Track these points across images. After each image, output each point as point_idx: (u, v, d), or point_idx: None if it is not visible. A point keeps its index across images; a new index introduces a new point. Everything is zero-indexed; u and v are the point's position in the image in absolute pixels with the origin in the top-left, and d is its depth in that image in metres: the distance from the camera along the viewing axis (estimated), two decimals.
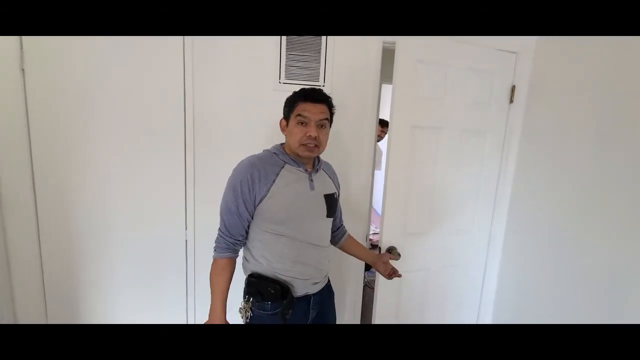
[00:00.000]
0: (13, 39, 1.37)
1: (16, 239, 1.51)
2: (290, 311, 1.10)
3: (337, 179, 1.30)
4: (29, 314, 1.58)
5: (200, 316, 1.72)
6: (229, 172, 1.55)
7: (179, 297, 1.69)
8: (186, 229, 1.62)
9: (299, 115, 1.08)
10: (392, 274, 1.35)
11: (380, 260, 1.36)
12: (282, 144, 1.19)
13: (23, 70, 1.41)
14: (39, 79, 1.42)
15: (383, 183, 1.53)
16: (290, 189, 1.09)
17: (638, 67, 1.22)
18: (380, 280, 1.59)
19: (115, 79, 1.47)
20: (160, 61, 1.49)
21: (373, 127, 1.71)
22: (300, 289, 1.13)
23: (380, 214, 1.73)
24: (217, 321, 1.09)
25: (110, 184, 1.54)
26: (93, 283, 1.61)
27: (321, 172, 1.21)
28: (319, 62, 1.57)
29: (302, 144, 1.08)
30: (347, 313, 1.87)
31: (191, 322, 1.73)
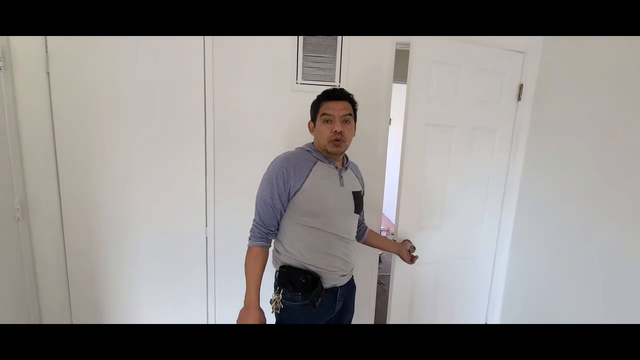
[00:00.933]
0: (38, 44, 1.41)
1: (41, 240, 1.55)
2: (320, 299, 1.15)
3: (362, 178, 1.36)
4: (55, 314, 1.62)
5: (220, 312, 1.76)
6: (249, 170, 1.61)
7: (200, 293, 1.73)
8: (206, 226, 1.67)
9: (324, 114, 1.15)
10: (413, 258, 1.47)
11: (404, 248, 1.47)
12: (312, 143, 1.25)
13: (48, 73, 1.44)
14: (64, 81, 1.46)
15: (396, 180, 1.59)
16: (322, 184, 1.15)
17: None
18: (396, 273, 1.65)
19: (137, 80, 1.51)
20: (181, 62, 1.53)
21: (386, 125, 1.77)
22: (329, 281, 1.18)
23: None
24: (251, 306, 1.11)
25: (132, 183, 1.58)
26: (116, 281, 1.65)
27: (349, 170, 1.27)
28: (335, 63, 1.62)
29: (330, 140, 1.15)
30: (363, 307, 1.92)
31: (212, 317, 1.77)
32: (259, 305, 1.13)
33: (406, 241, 1.49)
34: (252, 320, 1.10)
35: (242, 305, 1.12)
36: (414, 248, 1.46)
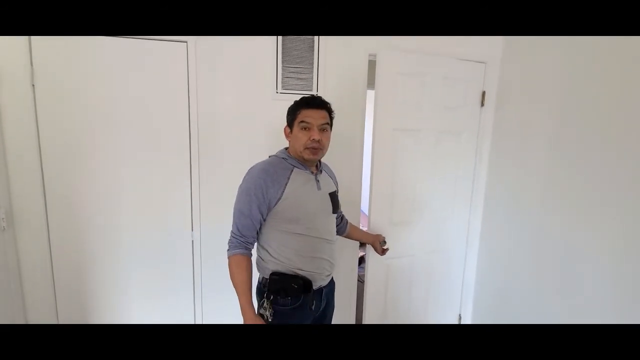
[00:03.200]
0: (24, 56, 1.45)
1: (27, 249, 1.57)
2: (315, 301, 1.20)
3: (335, 177, 1.42)
4: (40, 318, 1.63)
5: (207, 312, 1.83)
6: (232, 176, 1.68)
7: (187, 297, 1.79)
8: (192, 229, 1.73)
9: (302, 121, 1.17)
10: (384, 250, 1.61)
11: (377, 240, 1.60)
12: (286, 149, 1.28)
13: (33, 85, 1.48)
14: (49, 93, 1.50)
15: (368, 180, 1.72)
16: (301, 190, 1.18)
17: (588, 75, 1.45)
18: (370, 266, 1.77)
19: (121, 90, 1.56)
20: (166, 72, 1.59)
21: (362, 130, 1.88)
22: (317, 282, 1.22)
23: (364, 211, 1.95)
24: (249, 319, 1.12)
25: (118, 188, 1.62)
26: (103, 287, 1.69)
27: (323, 172, 1.32)
28: (312, 74, 1.73)
29: (307, 147, 1.17)
30: (345, 303, 2.01)
31: (198, 317, 1.83)
32: (256, 315, 1.15)
33: (381, 235, 1.62)
34: None
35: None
36: (385, 242, 1.58)
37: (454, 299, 2.11)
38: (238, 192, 1.18)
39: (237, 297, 1.16)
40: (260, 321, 1.14)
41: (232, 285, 1.17)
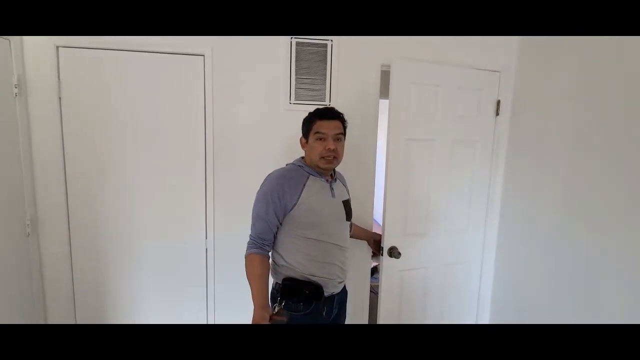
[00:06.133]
0: (51, 70, 1.53)
1: (49, 250, 1.64)
2: (326, 308, 1.22)
3: (347, 186, 1.46)
4: (60, 318, 1.69)
5: (219, 317, 1.84)
6: (246, 185, 1.71)
7: (200, 303, 1.81)
8: (206, 238, 1.76)
9: (317, 132, 1.23)
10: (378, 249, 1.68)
11: (372, 238, 1.71)
12: (302, 158, 1.33)
13: (60, 98, 1.56)
14: (74, 106, 1.58)
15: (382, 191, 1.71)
16: (316, 197, 1.23)
17: (606, 81, 1.41)
18: (384, 278, 1.74)
19: (141, 103, 1.63)
20: (183, 85, 1.65)
21: (374, 140, 1.89)
22: (328, 289, 1.25)
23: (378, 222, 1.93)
24: (258, 307, 1.11)
25: (136, 197, 1.68)
26: (120, 293, 1.73)
27: (338, 181, 1.37)
28: (325, 84, 1.75)
29: (322, 157, 1.23)
30: (357, 314, 1.99)
31: (211, 323, 1.84)
32: (266, 305, 1.16)
33: (376, 233, 1.67)
34: (268, 321, 1.10)
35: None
36: (399, 254, 1.56)
37: (470, 312, 2.05)
38: (256, 197, 1.24)
39: (250, 302, 1.16)
40: (267, 311, 1.12)
41: (245, 293, 1.19)
